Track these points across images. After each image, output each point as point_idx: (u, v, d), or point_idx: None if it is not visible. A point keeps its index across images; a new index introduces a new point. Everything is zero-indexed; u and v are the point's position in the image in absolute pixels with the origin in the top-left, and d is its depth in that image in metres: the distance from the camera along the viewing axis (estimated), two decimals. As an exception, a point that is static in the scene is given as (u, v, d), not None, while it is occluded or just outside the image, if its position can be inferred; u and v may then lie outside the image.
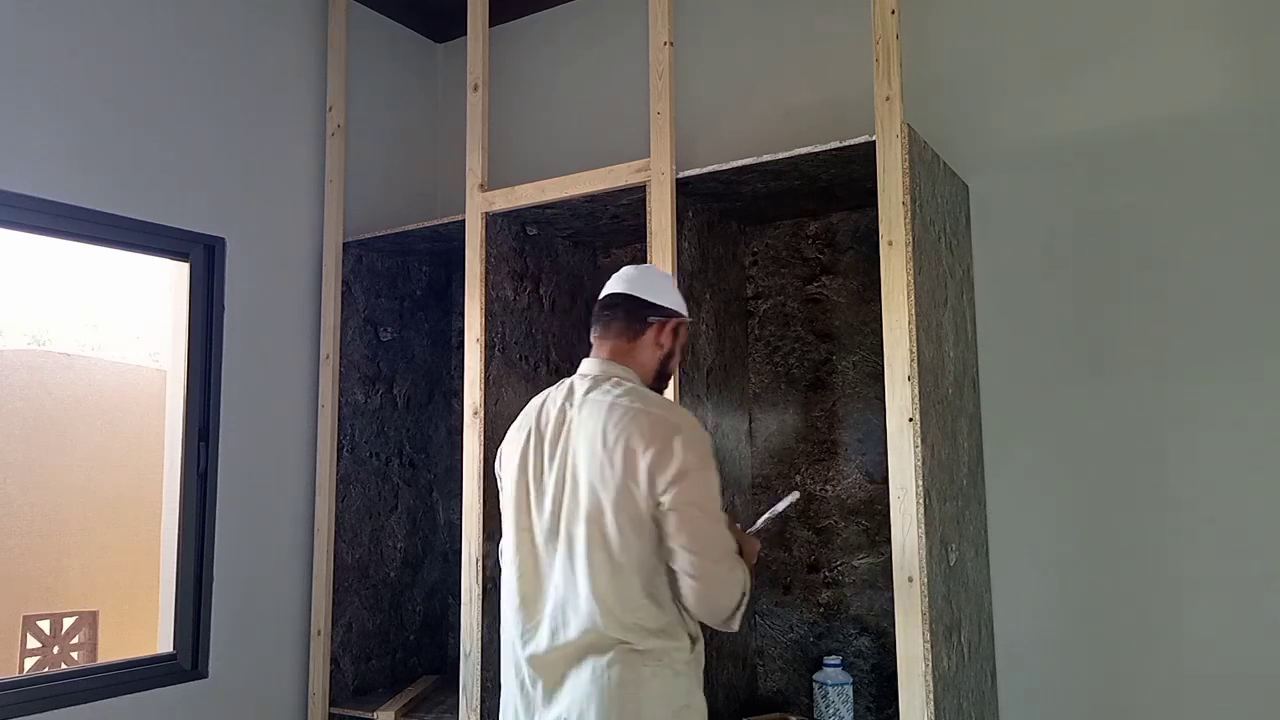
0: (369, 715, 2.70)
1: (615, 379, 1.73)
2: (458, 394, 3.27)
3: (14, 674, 3.23)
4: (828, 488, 2.59)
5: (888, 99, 2.00)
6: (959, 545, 2.11)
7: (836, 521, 2.57)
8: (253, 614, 2.73)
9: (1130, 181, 2.29)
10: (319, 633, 2.82)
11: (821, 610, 2.57)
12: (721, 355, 2.58)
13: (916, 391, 1.90)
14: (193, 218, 2.67)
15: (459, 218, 2.69)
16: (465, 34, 2.73)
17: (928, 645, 1.83)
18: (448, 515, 3.26)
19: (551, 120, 3.24)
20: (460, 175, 2.82)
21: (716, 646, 2.39)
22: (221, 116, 2.77)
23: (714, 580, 1.61)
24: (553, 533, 1.68)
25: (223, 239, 2.73)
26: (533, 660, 1.67)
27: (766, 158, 2.20)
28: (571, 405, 1.73)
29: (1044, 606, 2.30)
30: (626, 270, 1.87)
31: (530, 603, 1.70)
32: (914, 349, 1.91)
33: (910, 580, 1.86)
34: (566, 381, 1.80)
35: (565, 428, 1.71)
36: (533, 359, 2.77)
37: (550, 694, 1.65)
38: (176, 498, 2.68)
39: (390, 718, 2.65)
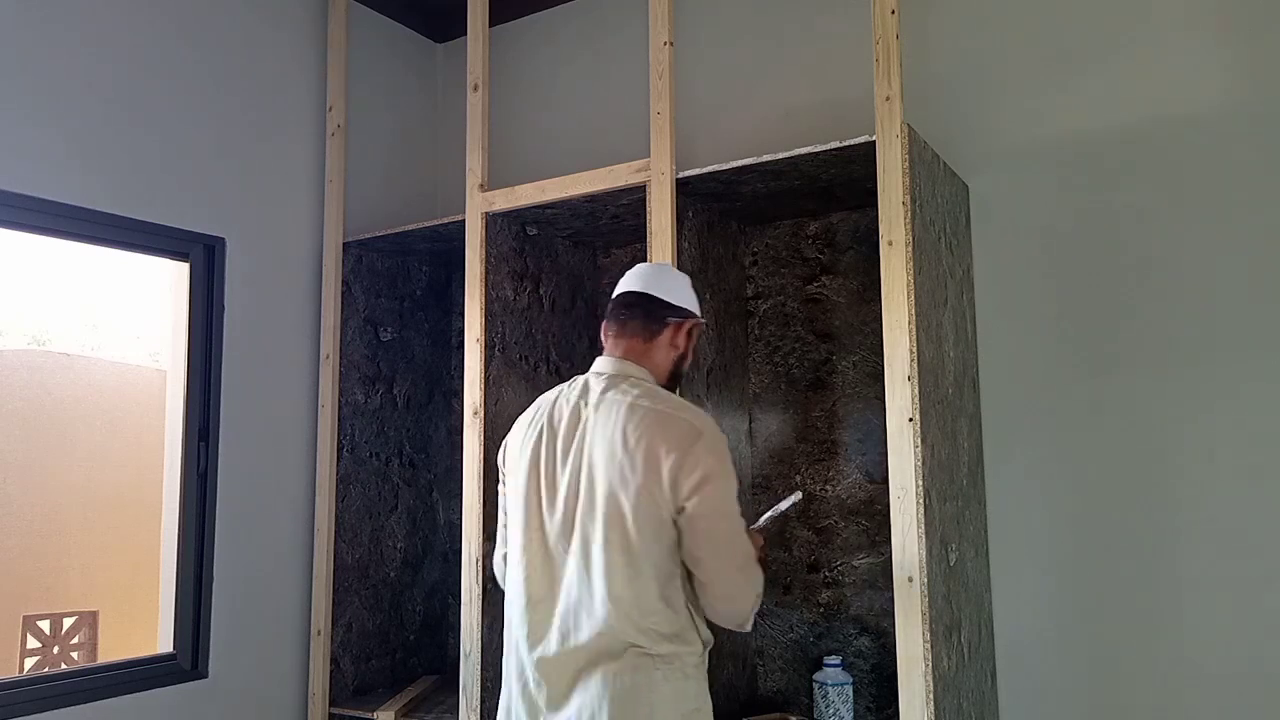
0: (369, 715, 2.70)
1: (632, 379, 1.71)
2: (458, 394, 3.27)
3: (14, 674, 3.23)
4: (828, 488, 2.59)
5: (888, 99, 2.00)
6: (959, 545, 2.11)
7: (836, 521, 2.57)
8: (253, 614, 2.73)
9: (1130, 181, 2.29)
10: (319, 633, 2.82)
11: (821, 610, 2.57)
12: (721, 355, 2.58)
13: (916, 391, 1.90)
14: (193, 218, 2.67)
15: (459, 218, 2.69)
16: (465, 34, 2.73)
17: (928, 645, 1.83)
18: (448, 515, 3.26)
19: (551, 120, 3.24)
20: (460, 175, 2.82)
21: (716, 646, 2.37)
22: (221, 116, 2.77)
23: (736, 587, 1.63)
24: (566, 533, 1.65)
25: (223, 239, 2.73)
26: (540, 663, 1.63)
27: (766, 158, 2.20)
28: (587, 404, 1.70)
29: (1044, 606, 2.30)
30: (642, 268, 1.85)
31: (539, 604, 1.66)
32: (914, 349, 1.91)
33: (910, 580, 1.86)
34: (580, 379, 1.77)
35: (581, 426, 1.68)
36: (533, 359, 2.77)
37: (558, 698, 1.61)
38: (176, 498, 2.68)
39: (390, 718, 2.65)
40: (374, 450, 3.04)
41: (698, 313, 1.84)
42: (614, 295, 1.83)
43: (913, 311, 1.92)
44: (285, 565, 2.84)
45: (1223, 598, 2.11)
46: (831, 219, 2.66)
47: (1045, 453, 2.33)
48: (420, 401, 3.23)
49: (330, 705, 2.80)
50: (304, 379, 2.93)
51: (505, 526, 1.84)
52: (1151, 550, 2.20)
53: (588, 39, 3.19)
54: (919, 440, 1.88)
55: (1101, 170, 2.32)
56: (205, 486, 2.64)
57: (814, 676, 2.40)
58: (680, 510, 1.58)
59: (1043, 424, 2.34)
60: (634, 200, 2.49)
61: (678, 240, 2.31)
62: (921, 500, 1.87)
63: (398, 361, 3.16)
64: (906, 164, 1.97)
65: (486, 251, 2.60)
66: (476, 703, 2.42)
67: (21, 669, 3.68)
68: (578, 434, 1.68)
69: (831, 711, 2.34)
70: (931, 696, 1.82)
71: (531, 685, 1.65)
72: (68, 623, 3.85)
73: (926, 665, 1.83)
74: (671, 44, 2.37)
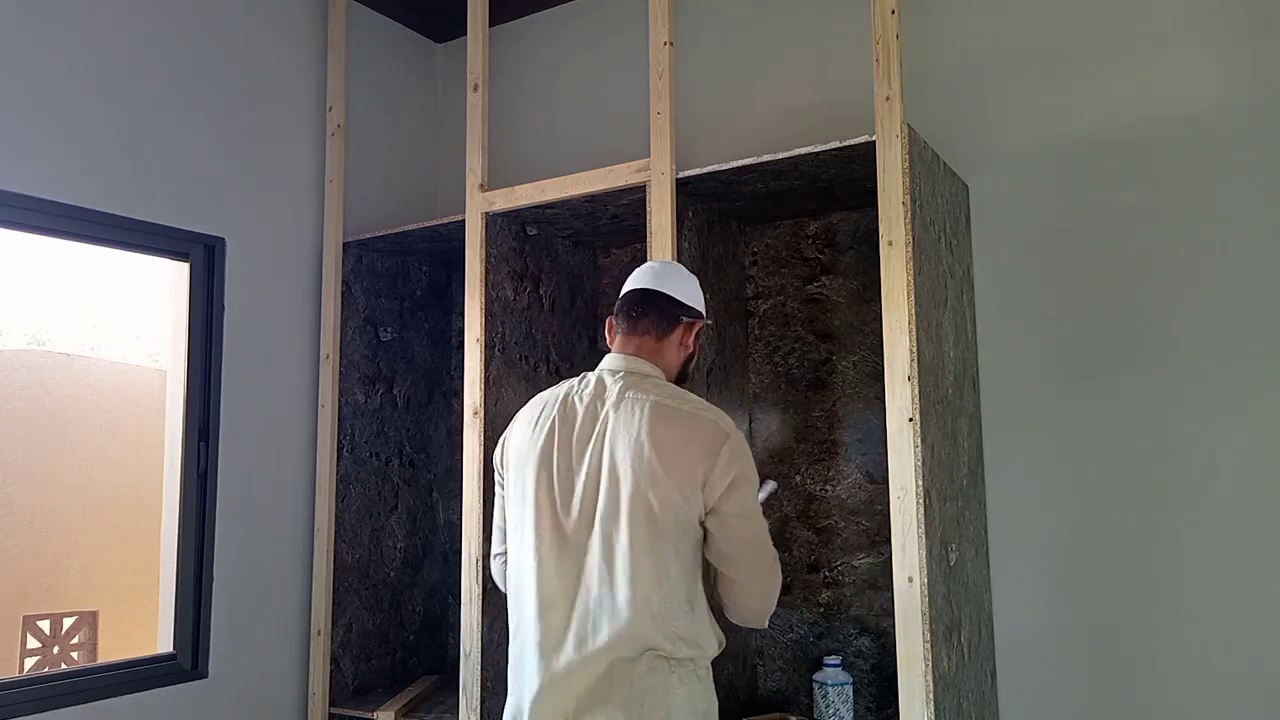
0: (369, 715, 2.70)
1: (651, 378, 1.69)
2: (458, 394, 3.27)
3: (14, 674, 3.23)
4: (828, 488, 2.59)
5: (888, 99, 2.00)
6: (959, 545, 2.11)
7: (836, 521, 2.57)
8: (252, 614, 2.73)
9: (1130, 181, 2.29)
10: (319, 633, 2.82)
11: (821, 610, 2.57)
12: (721, 355, 2.58)
13: (916, 391, 1.90)
14: (193, 218, 2.67)
15: (459, 218, 2.69)
16: (465, 34, 2.73)
17: (928, 645, 1.83)
18: (448, 515, 3.26)
19: (551, 120, 3.24)
20: (460, 175, 2.82)
21: (716, 646, 2.39)
22: (221, 116, 2.77)
23: (767, 583, 1.66)
24: (584, 534, 1.60)
25: (223, 239, 2.73)
26: (554, 667, 1.57)
27: (766, 158, 2.20)
28: (605, 402, 1.65)
29: (1044, 606, 2.30)
30: (654, 265, 1.83)
31: (552, 607, 1.59)
32: (914, 349, 1.91)
33: (910, 580, 1.86)
34: (590, 375, 1.73)
35: (600, 425, 1.63)
36: (533, 359, 2.77)
37: (572, 702, 1.55)
38: (176, 498, 2.68)
39: (390, 718, 2.65)
40: (374, 450, 3.04)
41: (705, 313, 1.83)
42: (624, 292, 1.80)
43: (913, 311, 1.92)
44: (285, 565, 2.84)
45: (1223, 598, 2.11)
46: (831, 219, 2.66)
47: (1045, 453, 2.33)
48: (420, 401, 3.24)
49: (330, 705, 2.80)
50: (304, 379, 2.93)
51: (503, 528, 1.81)
52: (1151, 550, 2.20)
53: (588, 39, 3.19)
54: (919, 440, 1.88)
55: (1101, 170, 2.32)
56: (205, 486, 2.65)
57: (814, 676, 2.40)
58: (711, 511, 1.58)
59: (1043, 424, 2.34)
60: (634, 200, 2.49)
61: (678, 240, 2.31)
62: (921, 500, 1.87)
63: (398, 361, 3.16)
64: (906, 164, 1.97)
65: (486, 251, 2.60)
66: (476, 703, 2.42)
67: (21, 669, 3.68)
68: (595, 432, 1.63)
69: (831, 711, 2.34)
70: (931, 696, 1.82)
71: (543, 690, 1.58)
72: (68, 623, 3.85)
73: (926, 665, 1.83)
74: (671, 44, 2.37)
